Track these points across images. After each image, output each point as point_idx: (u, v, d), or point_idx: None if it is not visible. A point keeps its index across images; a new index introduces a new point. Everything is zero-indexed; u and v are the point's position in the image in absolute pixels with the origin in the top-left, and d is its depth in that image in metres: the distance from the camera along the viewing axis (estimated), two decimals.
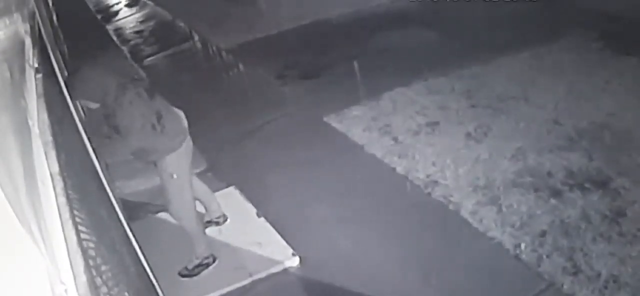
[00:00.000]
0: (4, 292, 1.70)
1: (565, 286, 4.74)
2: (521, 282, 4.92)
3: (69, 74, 5.43)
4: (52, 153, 2.43)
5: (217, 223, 6.05)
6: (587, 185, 5.74)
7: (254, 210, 6.22)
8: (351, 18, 10.78)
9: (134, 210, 6.33)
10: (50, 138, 2.56)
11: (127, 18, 14.25)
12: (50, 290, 1.72)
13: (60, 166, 2.36)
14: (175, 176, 5.25)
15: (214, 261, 5.61)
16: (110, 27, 13.80)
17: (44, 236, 1.87)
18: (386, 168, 6.57)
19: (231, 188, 6.63)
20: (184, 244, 5.55)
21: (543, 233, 5.27)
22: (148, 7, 14.56)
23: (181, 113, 5.40)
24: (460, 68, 8.28)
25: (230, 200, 6.35)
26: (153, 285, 3.86)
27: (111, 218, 3.65)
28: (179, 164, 5.26)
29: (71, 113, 4.34)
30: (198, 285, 5.46)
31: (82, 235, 2.13)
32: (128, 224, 3.99)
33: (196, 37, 12.05)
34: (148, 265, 3.84)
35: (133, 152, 5.23)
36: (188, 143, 5.34)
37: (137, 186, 6.77)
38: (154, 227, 6.13)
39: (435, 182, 6.15)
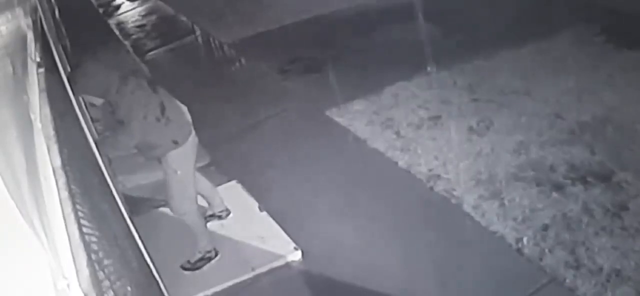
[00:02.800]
0: (7, 287, 1.71)
1: (567, 280, 4.74)
2: (523, 276, 4.93)
3: (70, 71, 5.43)
4: (54, 148, 2.43)
5: (220, 217, 6.06)
6: (589, 179, 5.74)
7: (256, 204, 6.22)
8: (353, 12, 10.75)
9: (136, 204, 6.34)
10: (52, 132, 2.57)
11: (129, 12, 14.21)
12: (52, 284, 1.73)
13: (62, 160, 2.37)
14: (179, 172, 5.25)
15: (216, 256, 5.62)
16: (112, 22, 13.78)
17: (46, 231, 1.88)
18: (388, 162, 6.56)
19: (233, 182, 6.63)
20: (187, 238, 5.55)
21: (545, 227, 5.27)
22: (150, 1, 14.54)
23: (184, 108, 5.40)
24: (462, 62, 8.27)
25: (233, 194, 6.35)
26: (155, 279, 3.87)
27: (113, 213, 3.66)
28: (183, 160, 5.26)
29: (73, 108, 4.34)
30: (200, 279, 5.47)
31: (85, 230, 2.13)
32: (130, 218, 4.00)
33: (198, 32, 12.03)
34: (150, 259, 3.85)
35: (138, 146, 5.21)
36: (193, 139, 5.33)
37: (139, 180, 6.77)
38: (156, 221, 6.13)
39: (438, 176, 6.16)
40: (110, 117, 5.06)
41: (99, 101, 5.04)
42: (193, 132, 5.34)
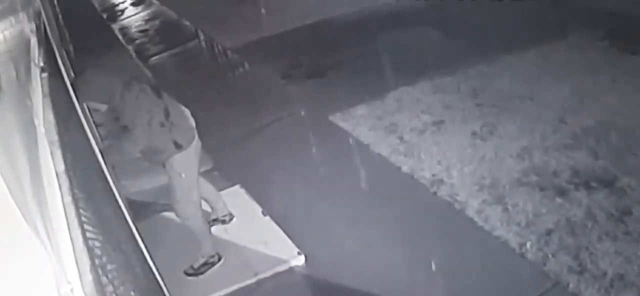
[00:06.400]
0: (11, 291, 1.71)
1: (571, 285, 4.73)
2: (527, 281, 4.92)
3: (74, 77, 5.43)
4: (58, 153, 2.43)
5: (223, 222, 6.06)
6: (593, 184, 5.74)
7: (260, 209, 6.21)
8: (356, 17, 10.77)
9: (140, 209, 6.33)
10: (56, 137, 2.57)
11: (133, 17, 14.25)
12: (56, 289, 1.73)
13: (66, 165, 2.37)
14: (183, 176, 5.25)
15: (219, 260, 5.61)
16: (115, 26, 13.81)
17: (50, 235, 1.88)
18: (392, 167, 6.56)
19: (237, 187, 6.63)
20: (190, 243, 5.55)
21: (549, 232, 5.27)
22: (153, 6, 14.57)
23: (188, 112, 5.40)
24: (465, 67, 8.28)
25: (236, 199, 6.35)
26: (159, 284, 3.86)
27: (117, 217, 3.66)
28: (187, 164, 5.26)
29: (77, 113, 4.34)
30: (204, 284, 5.46)
31: (88, 234, 2.13)
32: (134, 223, 4.00)
33: (201, 36, 12.05)
34: (154, 264, 3.84)
35: (143, 151, 5.21)
36: (197, 143, 5.34)
37: (142, 185, 6.77)
38: (160, 226, 6.13)
39: (441, 181, 6.15)
40: (114, 123, 5.06)
41: (103, 107, 5.03)
42: (196, 136, 5.34)
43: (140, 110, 4.96)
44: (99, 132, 6.30)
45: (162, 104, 5.11)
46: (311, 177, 6.66)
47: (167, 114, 5.08)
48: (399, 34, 9.76)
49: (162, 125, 5.04)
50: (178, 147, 5.15)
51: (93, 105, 5.09)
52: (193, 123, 5.37)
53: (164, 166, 5.33)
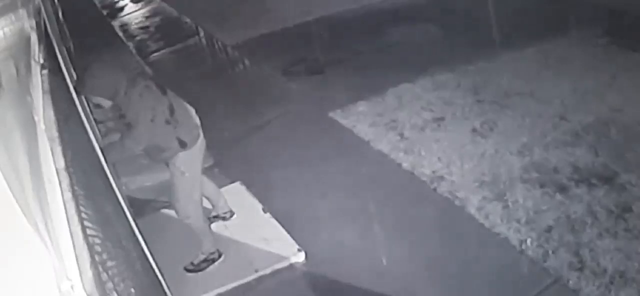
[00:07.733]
0: (11, 288, 1.71)
1: (571, 282, 4.73)
2: (527, 278, 4.92)
3: (80, 71, 5.42)
4: (58, 149, 2.43)
5: (224, 219, 6.05)
6: (593, 181, 5.73)
7: (260, 206, 6.22)
8: (356, 14, 10.76)
9: (140, 206, 6.34)
10: (56, 134, 2.57)
11: (133, 14, 14.23)
12: (56, 286, 1.73)
13: (66, 162, 2.37)
14: (186, 174, 5.24)
15: (219, 257, 5.61)
16: (115, 23, 13.80)
17: (50, 232, 1.88)
18: (392, 163, 6.56)
19: (237, 184, 6.63)
20: (190, 240, 5.55)
21: (549, 229, 5.26)
22: (154, 3, 14.56)
23: (192, 110, 5.38)
24: (466, 63, 8.27)
25: (237, 196, 6.35)
26: (159, 281, 3.87)
27: (117, 214, 3.66)
28: (191, 162, 5.25)
29: (77, 110, 4.34)
30: (204, 281, 5.47)
31: (88, 231, 2.13)
32: (134, 220, 4.00)
33: (202, 33, 12.04)
34: (154, 260, 3.85)
35: (146, 149, 5.19)
36: (201, 141, 5.32)
37: (143, 182, 6.77)
38: (160, 223, 6.13)
39: (441, 178, 6.15)
40: (119, 120, 5.05)
41: (107, 103, 5.00)
42: (201, 135, 5.32)
43: (143, 106, 4.93)
44: (99, 129, 6.30)
45: (166, 101, 5.08)
46: (311, 173, 6.65)
47: (172, 111, 5.06)
48: (399, 30, 9.75)
49: (167, 122, 5.02)
50: (182, 145, 5.13)
51: (97, 100, 5.05)
52: (198, 122, 5.35)
53: (167, 164, 5.32)
